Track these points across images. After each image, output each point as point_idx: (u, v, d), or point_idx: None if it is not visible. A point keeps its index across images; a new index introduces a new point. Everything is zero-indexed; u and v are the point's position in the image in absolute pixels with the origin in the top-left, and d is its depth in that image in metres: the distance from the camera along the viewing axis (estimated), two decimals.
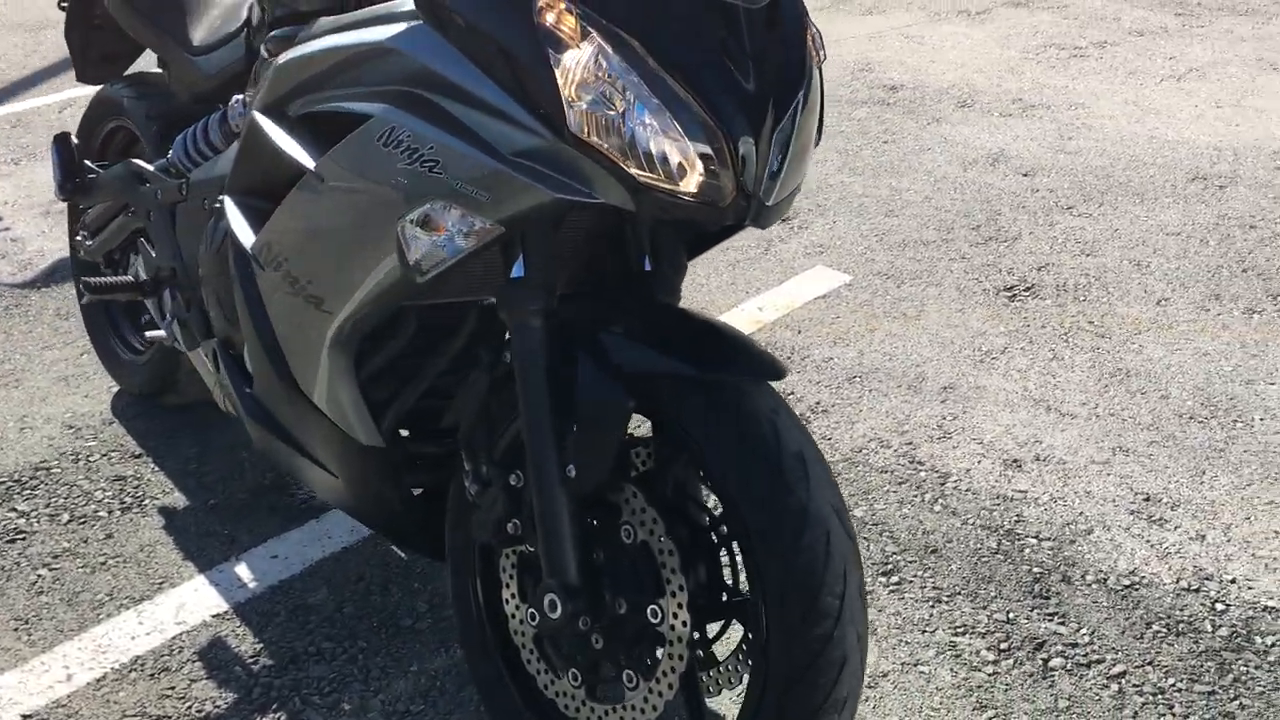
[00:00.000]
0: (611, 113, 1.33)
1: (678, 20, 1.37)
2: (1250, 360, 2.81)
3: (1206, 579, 2.12)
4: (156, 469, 2.60)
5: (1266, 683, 1.89)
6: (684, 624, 1.49)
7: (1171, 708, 1.86)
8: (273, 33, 1.82)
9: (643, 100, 1.34)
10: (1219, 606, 2.06)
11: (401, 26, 1.45)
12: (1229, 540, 2.22)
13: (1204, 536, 2.23)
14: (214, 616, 2.15)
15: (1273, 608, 2.05)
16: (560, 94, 1.33)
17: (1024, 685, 1.91)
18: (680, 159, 1.35)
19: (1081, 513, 2.31)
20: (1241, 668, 1.92)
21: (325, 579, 2.23)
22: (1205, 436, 2.53)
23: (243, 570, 2.27)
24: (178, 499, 2.49)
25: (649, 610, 1.51)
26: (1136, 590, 2.10)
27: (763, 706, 1.43)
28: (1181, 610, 2.05)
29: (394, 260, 1.53)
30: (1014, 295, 3.16)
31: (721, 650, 1.63)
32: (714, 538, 1.54)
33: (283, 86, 1.66)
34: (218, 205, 2.01)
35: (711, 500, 1.55)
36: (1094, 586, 2.12)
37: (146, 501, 2.49)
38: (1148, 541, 2.22)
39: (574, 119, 1.33)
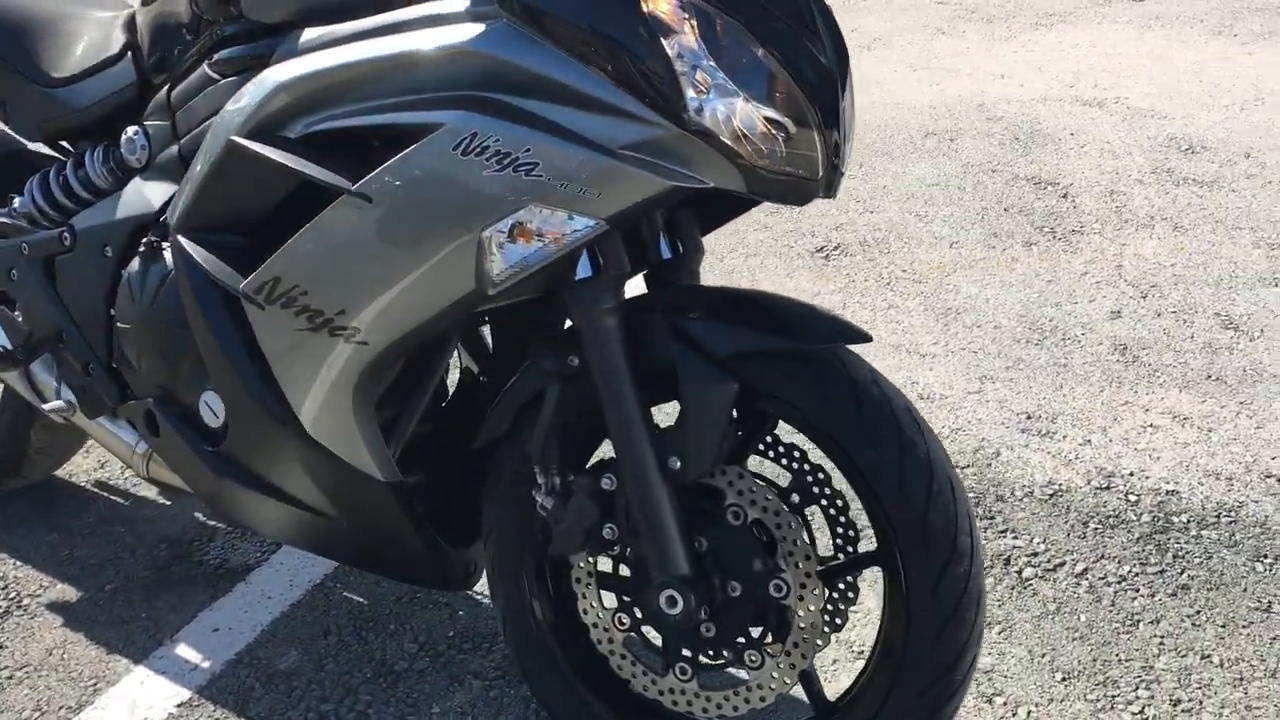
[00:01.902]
0: (727, 96, 1.33)
1: (759, 1, 1.38)
2: (1049, 286, 3.15)
3: (1110, 476, 2.38)
4: (21, 564, 2.28)
5: (1200, 553, 2.16)
6: (816, 591, 1.52)
7: (1139, 590, 2.08)
8: (223, 53, 1.66)
9: (752, 82, 1.35)
10: (1132, 498, 2.32)
11: (476, 27, 1.37)
12: (1110, 440, 2.50)
13: (1090, 440, 2.50)
14: (180, 706, 1.93)
15: (1173, 491, 2.33)
16: (678, 81, 1.32)
17: (1013, 598, 2.08)
18: (788, 136, 1.37)
19: (983, 438, 2.52)
20: (1176, 545, 2.18)
21: (289, 640, 2.06)
22: (1047, 356, 2.82)
23: (186, 651, 2.05)
24: (65, 591, 2.20)
25: (771, 585, 1.53)
26: (1061, 496, 2.33)
27: (909, 652, 1.49)
28: (1105, 506, 2.30)
29: (463, 275, 1.45)
30: (828, 256, 3.36)
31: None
32: (824, 501, 1.57)
33: (280, 107, 1.51)
34: (144, 250, 1.80)
35: (805, 464, 1.58)
36: (1025, 500, 2.32)
37: (27, 601, 2.18)
38: (1048, 453, 2.46)
39: (693, 105, 1.32)
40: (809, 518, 1.58)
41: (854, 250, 3.38)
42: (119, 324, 1.86)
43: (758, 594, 1.54)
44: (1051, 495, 2.33)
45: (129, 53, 1.87)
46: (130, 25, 1.90)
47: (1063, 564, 2.15)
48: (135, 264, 1.82)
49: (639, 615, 1.63)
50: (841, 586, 1.57)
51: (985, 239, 3.42)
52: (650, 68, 1.32)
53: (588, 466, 1.61)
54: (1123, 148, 4.00)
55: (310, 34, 1.54)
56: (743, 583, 1.55)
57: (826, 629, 1.56)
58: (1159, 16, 5.45)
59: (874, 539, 1.53)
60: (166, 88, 1.78)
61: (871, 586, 2.02)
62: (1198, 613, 2.02)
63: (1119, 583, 2.10)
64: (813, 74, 1.39)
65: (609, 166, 1.35)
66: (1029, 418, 2.58)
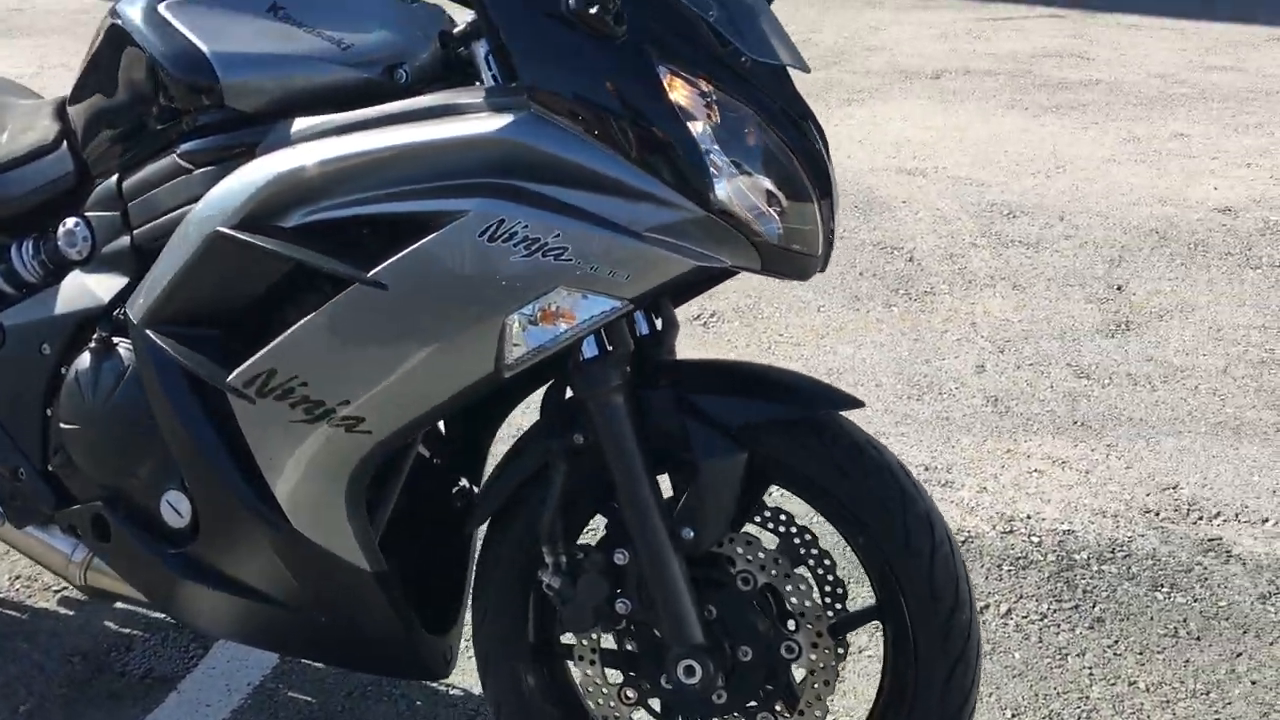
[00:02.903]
0: (743, 178, 1.40)
1: (761, 87, 1.46)
2: (915, 344, 3.35)
3: (1011, 520, 2.55)
4: None
5: (1105, 587, 2.33)
6: (826, 650, 1.57)
7: (1060, 626, 2.23)
8: (195, 142, 1.61)
9: (764, 164, 1.42)
10: (1034, 539, 2.49)
11: (501, 116, 1.39)
12: (1003, 486, 2.67)
13: (985, 488, 2.67)
14: None
15: (1069, 530, 2.51)
16: (704, 165, 1.38)
17: None
18: (794, 215, 1.45)
19: None
20: (1083, 581, 2.35)
21: None
22: (929, 410, 3.00)
23: None
24: None
25: (783, 648, 1.58)
26: (972, 542, 2.47)
27: (919, 700, 1.56)
28: (1012, 549, 2.45)
29: (481, 360, 1.45)
30: (706, 324, 3.47)
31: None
32: (811, 561, 1.63)
33: (276, 197, 1.49)
34: (95, 346, 1.72)
35: (791, 527, 1.64)
36: None
37: None
38: (951, 502, 2.61)
39: (718, 189, 1.38)
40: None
41: (730, 317, 3.50)
42: (62, 424, 1.76)
43: (769, 657, 1.59)
44: (964, 542, 2.47)
45: (64, 141, 1.79)
46: (60, 113, 1.83)
47: (987, 606, 2.29)
48: (83, 361, 1.73)
49: (647, 688, 1.65)
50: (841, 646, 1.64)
51: (848, 302, 3.60)
52: (676, 152, 1.38)
53: (597, 543, 1.63)
54: (952, 213, 4.29)
55: (303, 123, 1.53)
56: (754, 647, 1.59)
57: (830, 686, 1.62)
58: (955, 92, 5.87)
59: (872, 595, 1.60)
60: (116, 178, 1.72)
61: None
62: (1116, 642, 2.19)
63: (1040, 620, 2.25)
64: (812, 157, 1.48)
65: (637, 249, 1.39)
66: (926, 469, 2.73)
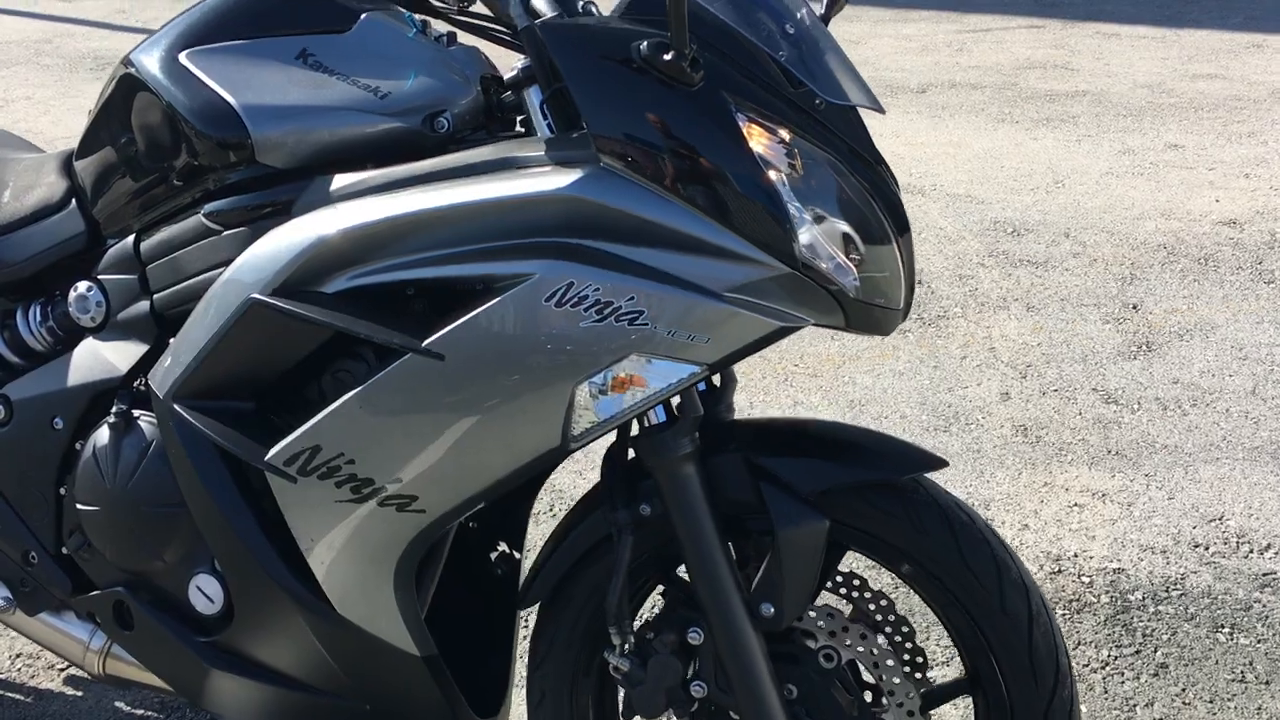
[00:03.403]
0: (827, 229, 1.30)
1: (836, 130, 1.36)
2: (935, 372, 3.26)
3: (1058, 559, 2.46)
4: None
5: (1164, 630, 2.25)
6: None
7: (1124, 674, 2.14)
8: (223, 201, 1.49)
9: (847, 213, 1.32)
10: (1085, 579, 2.40)
11: (567, 171, 1.28)
12: (1045, 523, 2.58)
13: (1027, 525, 2.58)
14: None
15: (1119, 569, 2.42)
16: (789, 218, 1.27)
17: None
18: (878, 264, 1.35)
19: None
20: (1141, 624, 2.26)
21: None
22: (958, 442, 2.91)
23: None
24: None
25: None
26: None
27: None
28: (1064, 591, 2.36)
29: (546, 432, 1.34)
30: None
31: None
32: (888, 629, 1.53)
33: (318, 260, 1.37)
34: (115, 420, 1.59)
35: (865, 593, 1.54)
36: None
37: None
38: None
39: (803, 243, 1.28)
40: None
41: None
42: (78, 505, 1.63)
43: None
44: None
45: (73, 199, 1.67)
46: (67, 168, 1.70)
47: None
48: (101, 437, 1.60)
49: None
50: None
51: None
52: (758, 205, 1.27)
53: (663, 619, 1.52)
54: (955, 233, 4.22)
55: (344, 179, 1.41)
56: None
57: None
58: (944, 106, 5.81)
59: (960, 666, 1.50)
60: (132, 238, 1.60)
61: None
62: (1184, 690, 2.10)
63: (1103, 668, 2.16)
64: (891, 202, 1.39)
65: (718, 310, 1.29)
66: None
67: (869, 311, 1.37)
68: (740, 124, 1.28)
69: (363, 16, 1.52)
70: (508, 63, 1.48)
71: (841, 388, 3.18)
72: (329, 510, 1.44)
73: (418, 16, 1.55)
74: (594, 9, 1.53)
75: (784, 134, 1.30)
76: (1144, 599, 2.33)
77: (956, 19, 7.85)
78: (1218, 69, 6.39)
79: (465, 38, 1.55)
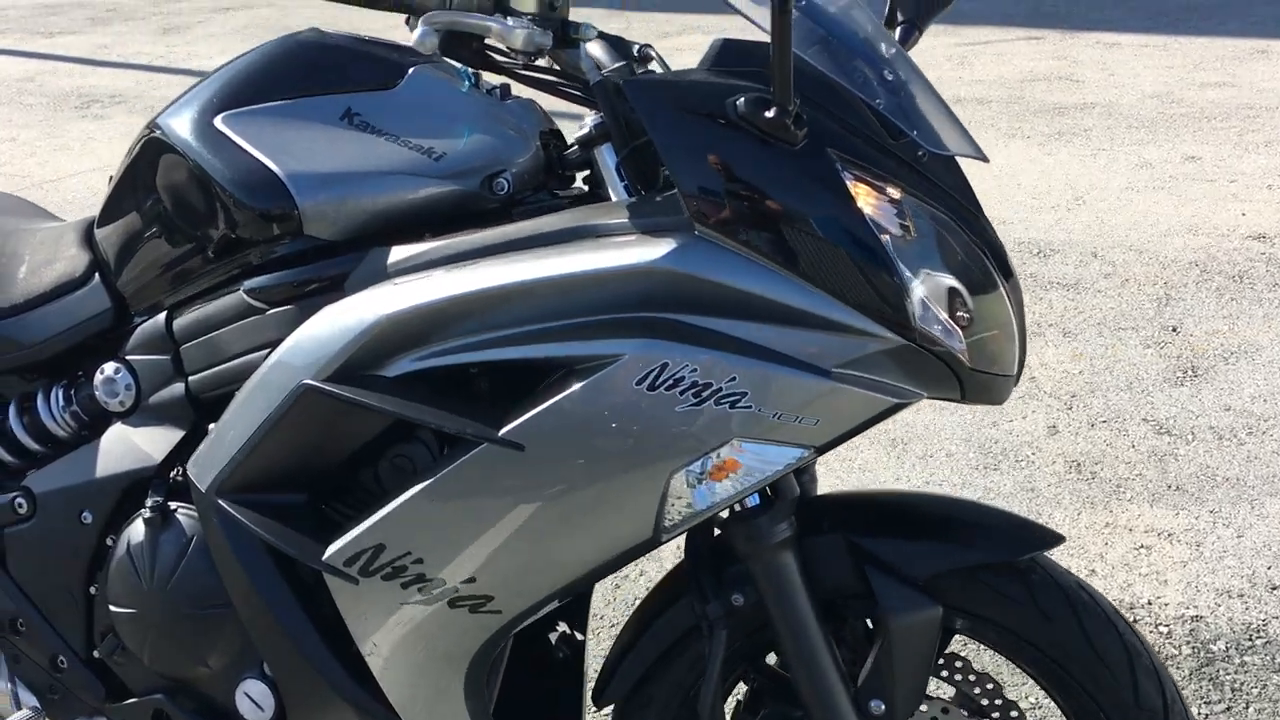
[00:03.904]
0: (938, 292, 1.18)
1: (942, 182, 1.25)
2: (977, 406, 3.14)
3: (1132, 608, 2.34)
4: None
5: (1253, 683, 2.13)
6: None
7: None
8: (266, 277, 1.37)
9: (958, 272, 1.21)
10: (1163, 629, 2.28)
11: (659, 242, 1.15)
12: (1112, 568, 2.47)
13: (1094, 570, 2.46)
14: None
15: (1197, 616, 2.31)
16: (905, 286, 1.15)
17: None
18: (994, 328, 1.24)
19: None
20: (1228, 678, 2.14)
21: None
22: (1010, 481, 2.79)
23: None
24: None
25: None
26: None
27: None
28: None
29: (637, 525, 1.22)
30: None
31: None
32: (995, 714, 1.41)
33: (376, 342, 1.24)
34: (151, 515, 1.46)
35: (969, 675, 1.42)
36: None
37: None
38: None
39: (918, 312, 1.16)
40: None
41: None
42: (111, 606, 1.50)
43: None
44: None
45: (96, 272, 1.54)
46: (88, 238, 1.57)
47: None
48: (136, 533, 1.47)
49: None
50: None
51: None
52: (870, 272, 1.15)
53: (761, 715, 1.40)
54: None
55: (401, 252, 1.29)
56: None
57: None
58: None
59: None
60: (164, 315, 1.47)
61: None
62: None
63: None
64: (1001, 258, 1.28)
65: (827, 388, 1.17)
66: None
67: (981, 381, 1.25)
68: (848, 183, 1.16)
69: (410, 71, 1.40)
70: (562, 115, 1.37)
71: (882, 425, 3.05)
72: (394, 613, 1.31)
73: (470, 69, 1.43)
74: (651, 51, 1.42)
75: (893, 192, 1.18)
76: (1227, 649, 2.21)
77: (954, 32, 7.76)
78: (1225, 77, 6.31)
79: (520, 88, 1.44)
